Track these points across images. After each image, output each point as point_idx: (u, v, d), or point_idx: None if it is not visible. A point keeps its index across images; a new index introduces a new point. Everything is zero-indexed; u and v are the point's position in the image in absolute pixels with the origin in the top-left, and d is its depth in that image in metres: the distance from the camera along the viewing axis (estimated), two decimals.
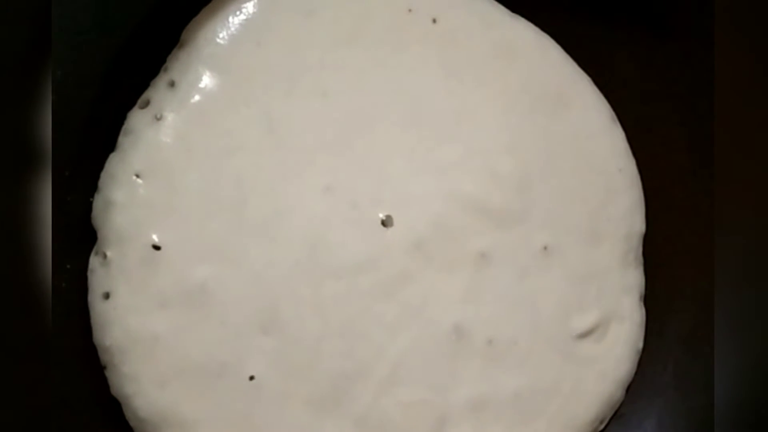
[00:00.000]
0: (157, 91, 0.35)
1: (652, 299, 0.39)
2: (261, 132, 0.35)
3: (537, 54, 0.39)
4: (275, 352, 0.34)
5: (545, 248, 0.37)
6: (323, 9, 0.36)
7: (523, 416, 0.36)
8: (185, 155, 0.34)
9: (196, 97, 0.35)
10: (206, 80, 0.35)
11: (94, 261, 0.34)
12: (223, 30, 0.35)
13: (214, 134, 0.35)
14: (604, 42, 0.40)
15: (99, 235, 0.34)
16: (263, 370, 0.34)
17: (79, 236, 0.34)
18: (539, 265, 0.37)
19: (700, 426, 0.36)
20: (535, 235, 0.37)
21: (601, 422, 0.38)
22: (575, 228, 0.38)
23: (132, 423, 0.34)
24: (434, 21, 0.37)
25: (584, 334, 0.37)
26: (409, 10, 0.37)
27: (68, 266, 0.34)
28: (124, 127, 0.35)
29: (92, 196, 0.34)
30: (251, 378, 0.34)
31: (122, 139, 0.35)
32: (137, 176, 0.34)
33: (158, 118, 0.34)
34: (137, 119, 0.35)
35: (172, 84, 0.35)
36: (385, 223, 0.35)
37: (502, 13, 0.39)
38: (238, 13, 0.36)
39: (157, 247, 0.34)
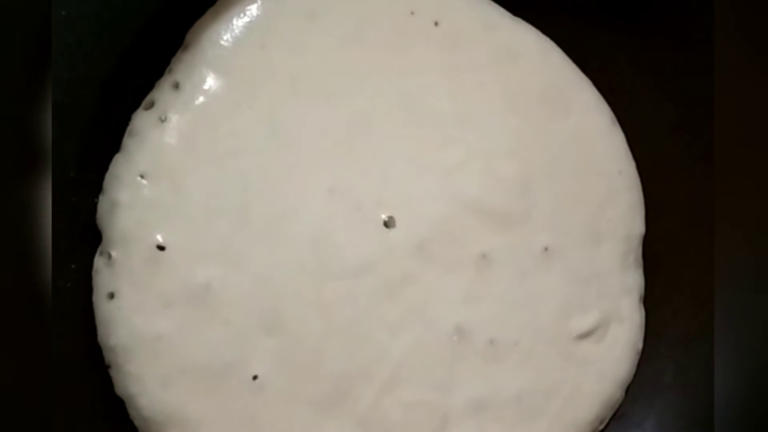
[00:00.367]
0: (162, 93, 0.35)
1: (651, 300, 0.40)
2: (264, 134, 0.35)
3: (538, 57, 0.39)
4: (278, 353, 0.34)
5: (546, 249, 0.37)
6: (326, 12, 0.36)
7: (524, 416, 0.36)
8: (189, 156, 0.34)
9: (201, 99, 0.35)
10: (210, 82, 0.35)
11: (98, 261, 0.34)
12: (227, 32, 0.36)
13: (218, 136, 0.35)
14: (605, 45, 0.40)
15: (104, 236, 0.34)
16: (267, 370, 0.34)
17: (84, 237, 0.34)
18: (540, 267, 0.37)
19: (700, 426, 0.36)
20: (535, 236, 0.37)
21: (601, 422, 0.38)
22: (576, 229, 0.38)
23: (136, 422, 0.34)
24: (436, 24, 0.38)
25: (584, 335, 0.37)
26: (412, 13, 0.37)
27: (73, 266, 0.34)
28: (128, 129, 0.35)
29: (97, 196, 0.35)
30: (255, 378, 0.34)
31: (127, 141, 0.35)
32: (142, 177, 0.34)
33: (163, 120, 0.35)
34: (142, 121, 0.35)
35: (176, 86, 0.35)
36: (388, 224, 0.35)
37: (504, 16, 0.39)
38: (242, 15, 0.36)
39: (161, 248, 0.34)
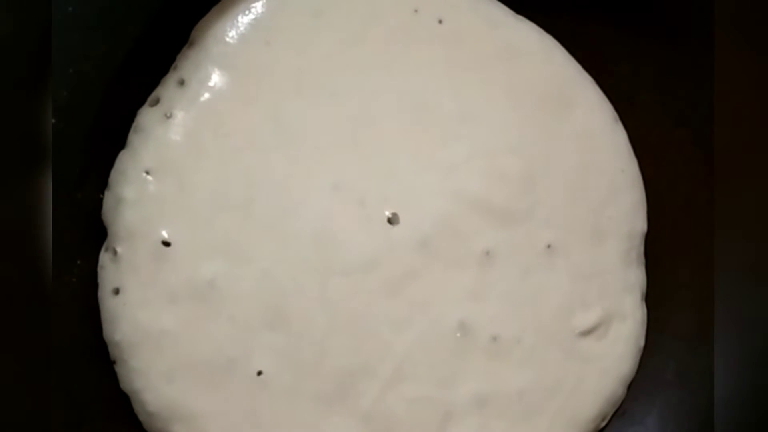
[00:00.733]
0: (167, 90, 0.35)
1: (653, 297, 0.40)
2: (269, 130, 0.35)
3: (541, 55, 0.39)
4: (282, 348, 0.34)
5: (549, 247, 0.37)
6: (331, 9, 0.37)
7: (527, 413, 0.36)
8: (195, 153, 0.35)
9: (206, 96, 0.35)
10: (215, 79, 0.35)
11: (104, 257, 0.34)
12: (232, 29, 0.36)
13: (223, 132, 0.35)
14: (607, 43, 0.40)
15: (109, 232, 0.34)
16: (271, 365, 0.34)
17: (90, 233, 0.34)
18: (543, 264, 0.37)
19: (701, 422, 0.36)
20: (538, 233, 0.37)
21: (603, 419, 0.38)
22: (578, 227, 0.38)
23: (141, 417, 0.34)
24: (440, 22, 0.38)
25: (587, 332, 0.38)
26: (416, 11, 0.37)
27: (79, 262, 0.34)
28: (134, 125, 0.35)
29: (103, 192, 0.35)
30: (259, 373, 0.34)
31: (132, 137, 0.35)
32: (147, 173, 0.34)
33: (168, 116, 0.35)
34: (147, 117, 0.35)
35: (181, 82, 0.35)
36: (392, 221, 0.36)
37: (507, 14, 0.39)
38: (247, 12, 0.36)
39: (166, 244, 0.34)
